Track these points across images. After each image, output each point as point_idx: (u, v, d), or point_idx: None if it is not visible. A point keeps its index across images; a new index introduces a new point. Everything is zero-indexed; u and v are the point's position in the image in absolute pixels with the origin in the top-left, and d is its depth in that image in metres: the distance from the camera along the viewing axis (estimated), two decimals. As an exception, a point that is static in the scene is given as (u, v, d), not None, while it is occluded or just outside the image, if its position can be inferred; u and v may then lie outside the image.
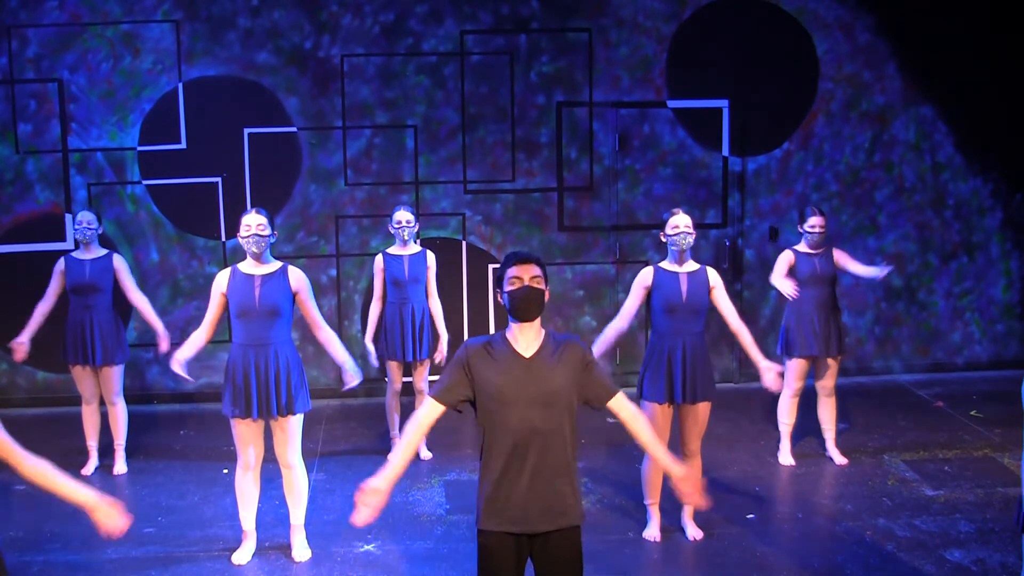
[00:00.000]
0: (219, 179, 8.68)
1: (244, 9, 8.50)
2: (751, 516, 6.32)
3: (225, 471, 7.22)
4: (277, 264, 5.66)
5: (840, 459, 7.15)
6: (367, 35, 8.63)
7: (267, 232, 5.58)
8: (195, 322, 8.79)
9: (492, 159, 8.86)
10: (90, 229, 7.03)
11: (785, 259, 7.11)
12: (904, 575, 5.57)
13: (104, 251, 7.12)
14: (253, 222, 5.57)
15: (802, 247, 7.11)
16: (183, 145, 8.62)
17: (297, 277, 5.65)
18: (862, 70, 9.01)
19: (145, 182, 8.63)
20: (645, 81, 8.88)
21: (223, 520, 6.38)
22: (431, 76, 8.71)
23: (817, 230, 7.01)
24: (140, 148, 8.59)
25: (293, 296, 5.65)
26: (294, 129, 8.68)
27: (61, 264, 7.09)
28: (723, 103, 8.94)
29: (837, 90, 9.02)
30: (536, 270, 3.91)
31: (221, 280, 5.65)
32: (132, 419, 7.70)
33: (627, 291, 8.97)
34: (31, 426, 8.08)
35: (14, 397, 8.76)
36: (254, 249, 5.54)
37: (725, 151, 9.00)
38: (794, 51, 8.94)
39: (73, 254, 7.10)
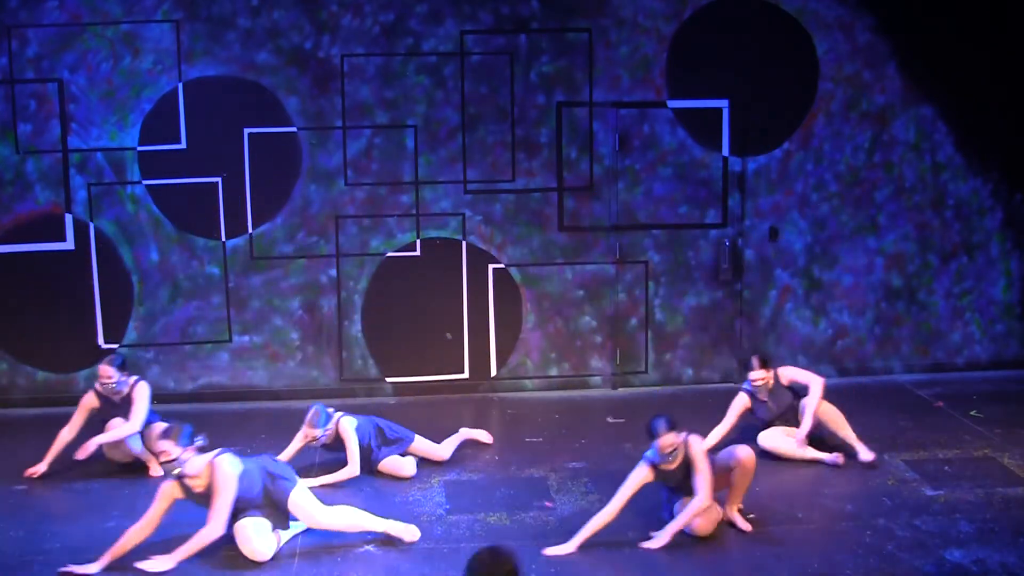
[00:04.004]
0: (219, 179, 8.68)
1: (244, 9, 8.50)
2: (751, 516, 6.31)
3: (225, 471, 7.21)
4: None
5: (834, 458, 7.13)
6: (367, 35, 8.63)
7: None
8: (195, 322, 8.80)
9: (492, 159, 8.86)
10: (111, 382, 6.88)
11: (740, 403, 7.33)
12: (904, 575, 5.57)
13: (130, 382, 6.99)
14: None
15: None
16: (183, 145, 8.62)
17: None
18: (862, 70, 9.01)
19: (145, 182, 8.63)
20: (645, 81, 8.87)
21: (223, 520, 6.37)
22: (431, 76, 8.71)
23: (759, 383, 7.25)
24: (140, 148, 8.59)
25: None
26: (294, 129, 8.68)
27: (92, 400, 7.02)
28: (723, 103, 8.93)
29: (837, 90, 9.02)
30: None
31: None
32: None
33: (627, 290, 9.02)
34: (31, 426, 8.08)
35: (14, 397, 8.76)
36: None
37: (725, 151, 9.00)
38: (794, 51, 8.94)
39: (102, 392, 6.99)
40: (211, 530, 5.60)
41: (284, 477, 5.96)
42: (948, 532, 6.05)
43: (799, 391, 7.34)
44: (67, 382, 8.81)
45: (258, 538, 5.77)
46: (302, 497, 5.94)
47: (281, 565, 5.81)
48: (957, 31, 9.00)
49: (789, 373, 7.41)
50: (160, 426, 5.68)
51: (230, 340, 8.84)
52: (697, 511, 5.86)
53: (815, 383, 7.22)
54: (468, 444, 7.62)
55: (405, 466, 7.09)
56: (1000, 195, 9.29)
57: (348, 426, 7.01)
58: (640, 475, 5.96)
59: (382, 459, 7.10)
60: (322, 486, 6.79)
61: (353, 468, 6.94)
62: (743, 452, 6.07)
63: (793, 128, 9.03)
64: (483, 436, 7.66)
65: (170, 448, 5.60)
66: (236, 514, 5.77)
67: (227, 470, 5.61)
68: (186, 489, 5.71)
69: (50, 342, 8.72)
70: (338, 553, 5.93)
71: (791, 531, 6.13)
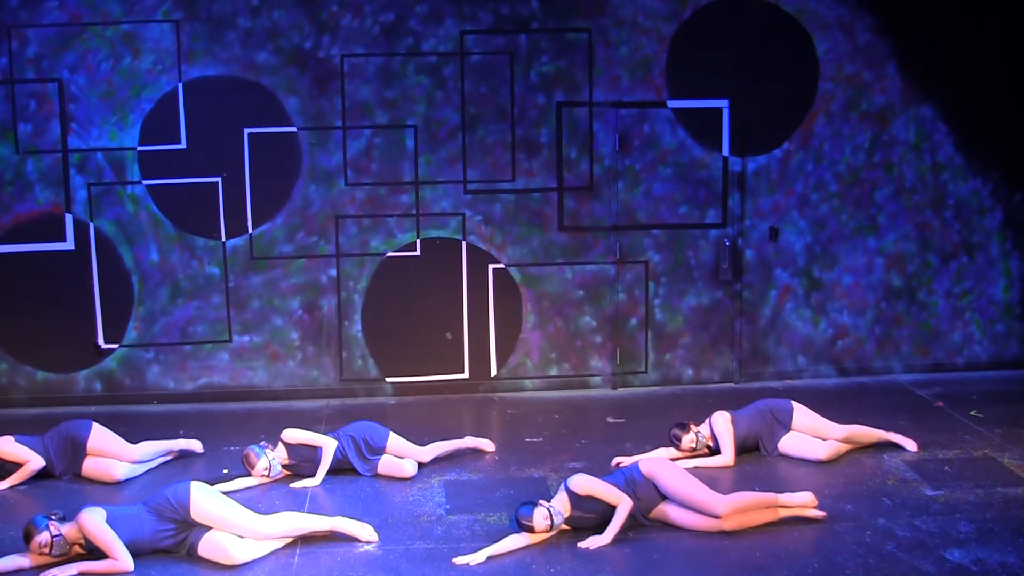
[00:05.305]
0: (219, 179, 8.68)
1: (244, 9, 8.50)
2: (751, 516, 6.31)
3: (225, 471, 7.22)
4: None
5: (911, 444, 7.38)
6: (367, 35, 8.63)
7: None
8: (195, 322, 8.81)
9: (492, 159, 8.86)
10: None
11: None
12: (904, 575, 5.57)
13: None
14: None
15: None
16: (183, 145, 8.62)
17: None
18: (862, 70, 9.01)
19: (145, 182, 8.63)
20: (645, 81, 8.88)
21: (223, 520, 6.36)
22: (431, 76, 8.71)
23: (693, 445, 7.23)
24: (140, 148, 8.60)
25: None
26: (294, 129, 8.68)
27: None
28: (723, 103, 8.94)
29: (837, 90, 9.02)
30: None
31: None
32: (132, 419, 7.70)
33: (627, 290, 9.02)
34: (31, 426, 8.06)
35: (14, 397, 8.76)
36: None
37: (725, 151, 9.00)
38: (794, 51, 8.94)
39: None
40: (120, 564, 5.73)
41: (180, 497, 5.95)
42: (948, 532, 6.05)
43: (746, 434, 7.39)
44: (67, 382, 8.81)
45: (231, 545, 5.83)
46: (203, 502, 5.92)
47: (281, 565, 5.82)
48: (957, 31, 9.00)
49: (717, 427, 7.29)
50: (32, 534, 5.83)
51: (230, 340, 8.84)
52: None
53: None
54: (468, 450, 7.60)
55: (405, 467, 7.09)
56: (1000, 195, 9.29)
57: (300, 436, 7.07)
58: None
59: (372, 468, 7.10)
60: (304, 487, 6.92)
61: (315, 480, 6.99)
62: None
63: (793, 128, 9.03)
64: (487, 445, 7.62)
65: (43, 539, 5.76)
66: (156, 549, 5.93)
67: (90, 519, 5.80)
68: (83, 548, 5.87)
69: (50, 342, 8.72)
70: (338, 553, 5.93)
71: (791, 531, 6.14)
